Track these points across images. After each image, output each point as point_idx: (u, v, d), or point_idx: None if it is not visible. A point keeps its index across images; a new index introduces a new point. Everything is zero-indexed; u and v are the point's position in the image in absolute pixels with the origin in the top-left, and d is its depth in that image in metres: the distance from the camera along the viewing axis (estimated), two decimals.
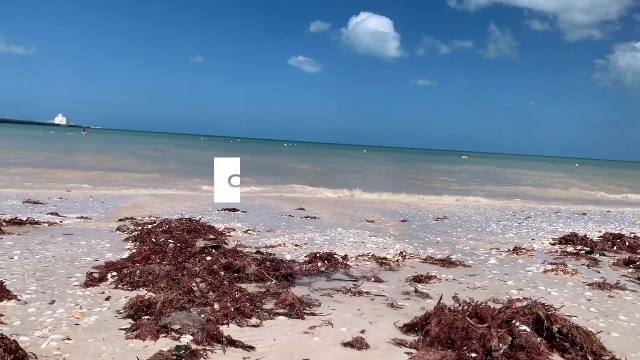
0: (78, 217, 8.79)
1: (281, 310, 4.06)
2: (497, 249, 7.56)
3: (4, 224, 7.26)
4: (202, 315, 3.68)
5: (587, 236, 8.41)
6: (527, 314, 3.44)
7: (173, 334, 3.40)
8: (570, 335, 3.28)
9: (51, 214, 8.85)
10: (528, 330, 3.27)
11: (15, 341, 3.02)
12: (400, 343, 3.48)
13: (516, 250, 7.30)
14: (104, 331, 3.47)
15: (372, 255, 6.42)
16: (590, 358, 3.18)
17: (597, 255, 7.20)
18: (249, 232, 8.17)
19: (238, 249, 5.91)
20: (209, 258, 5.25)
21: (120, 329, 3.51)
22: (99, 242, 6.64)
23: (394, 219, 10.98)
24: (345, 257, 6.13)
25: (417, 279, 5.28)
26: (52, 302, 4.03)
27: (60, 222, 8.14)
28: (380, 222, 10.49)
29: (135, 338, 3.35)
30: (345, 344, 3.42)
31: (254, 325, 3.74)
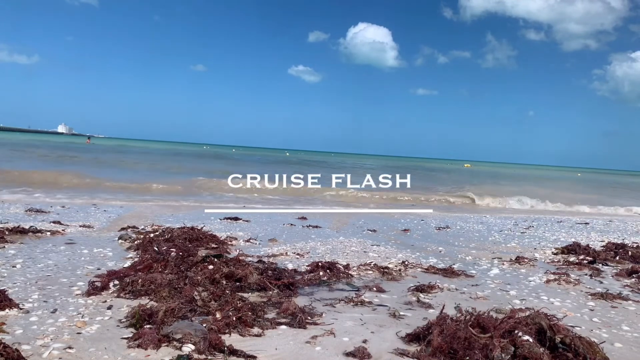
0: (80, 226, 8.81)
1: (283, 320, 4.06)
2: (500, 258, 7.54)
3: (7, 232, 7.28)
4: (204, 325, 3.68)
5: (590, 246, 8.39)
6: (529, 324, 3.42)
7: (175, 343, 3.40)
8: (573, 346, 3.26)
9: (54, 222, 8.87)
10: (531, 340, 3.25)
11: (17, 350, 3.03)
12: (403, 353, 3.47)
13: (518, 260, 7.28)
14: (106, 340, 3.47)
15: (374, 264, 6.41)
16: None
17: (600, 265, 7.17)
18: (250, 241, 8.17)
19: (240, 258, 5.91)
20: (210, 267, 5.26)
21: (122, 338, 3.51)
22: (101, 251, 6.66)
23: (396, 228, 10.97)
24: (347, 267, 6.12)
25: (420, 289, 5.27)
26: (54, 310, 4.04)
27: (62, 230, 8.16)
28: (382, 231, 10.48)
29: (137, 347, 3.34)
30: (347, 354, 3.41)
31: (255, 335, 3.74)
